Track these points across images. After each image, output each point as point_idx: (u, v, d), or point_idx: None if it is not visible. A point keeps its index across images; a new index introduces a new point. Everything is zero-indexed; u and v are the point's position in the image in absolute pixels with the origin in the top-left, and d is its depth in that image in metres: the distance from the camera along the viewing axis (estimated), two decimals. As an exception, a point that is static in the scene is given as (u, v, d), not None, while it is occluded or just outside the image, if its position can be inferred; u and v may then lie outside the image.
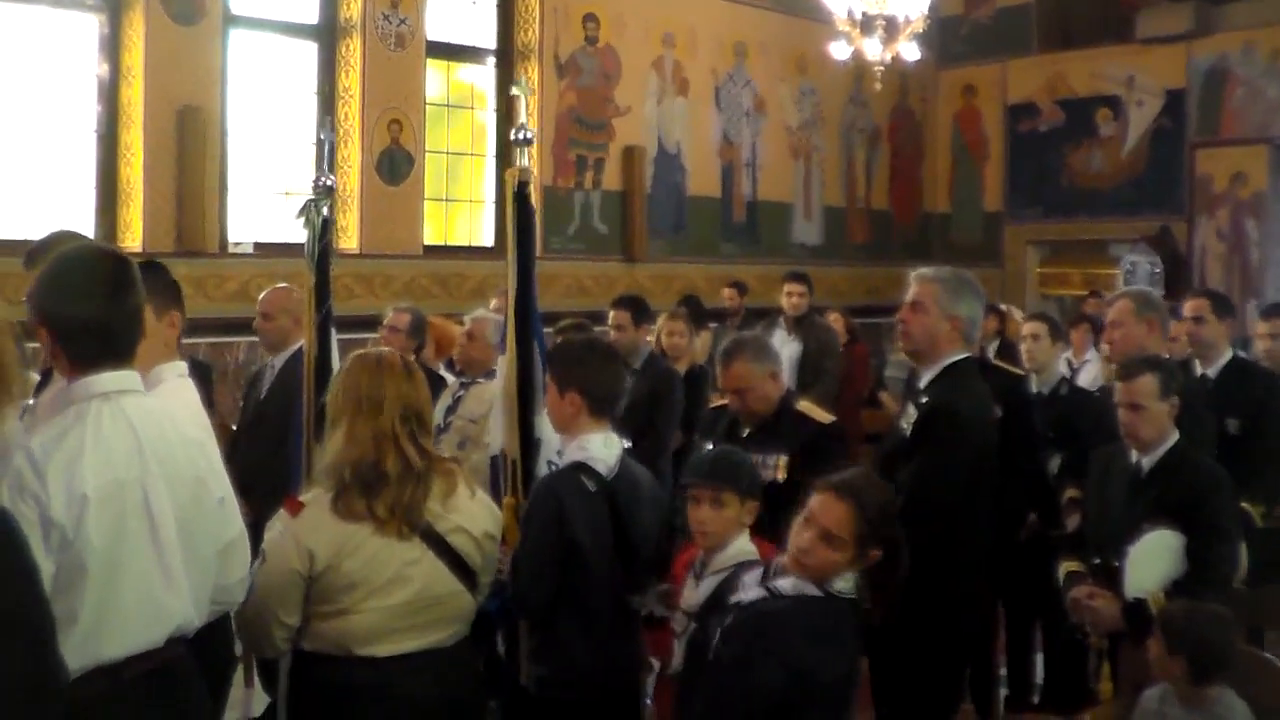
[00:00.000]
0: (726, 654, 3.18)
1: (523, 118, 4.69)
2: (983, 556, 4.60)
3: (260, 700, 5.50)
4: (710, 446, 4.83)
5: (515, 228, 4.45)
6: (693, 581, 3.75)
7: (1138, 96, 14.43)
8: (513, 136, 4.61)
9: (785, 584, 3.24)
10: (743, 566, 3.57)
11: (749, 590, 3.32)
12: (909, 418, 4.48)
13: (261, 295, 6.35)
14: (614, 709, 3.95)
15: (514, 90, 5.00)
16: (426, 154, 11.20)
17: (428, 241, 11.33)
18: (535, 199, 4.88)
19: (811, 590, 3.22)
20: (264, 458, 5.48)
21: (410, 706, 3.37)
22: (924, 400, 4.43)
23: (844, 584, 3.26)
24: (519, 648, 4.06)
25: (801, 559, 3.25)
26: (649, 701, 4.25)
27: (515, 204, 4.47)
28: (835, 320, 10.57)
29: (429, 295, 10.57)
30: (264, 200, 10.38)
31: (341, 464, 3.35)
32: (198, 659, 3.06)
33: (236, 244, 10.02)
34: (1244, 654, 4.09)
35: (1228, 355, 5.83)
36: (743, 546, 3.70)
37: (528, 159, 4.57)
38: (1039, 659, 6.10)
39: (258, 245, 10.10)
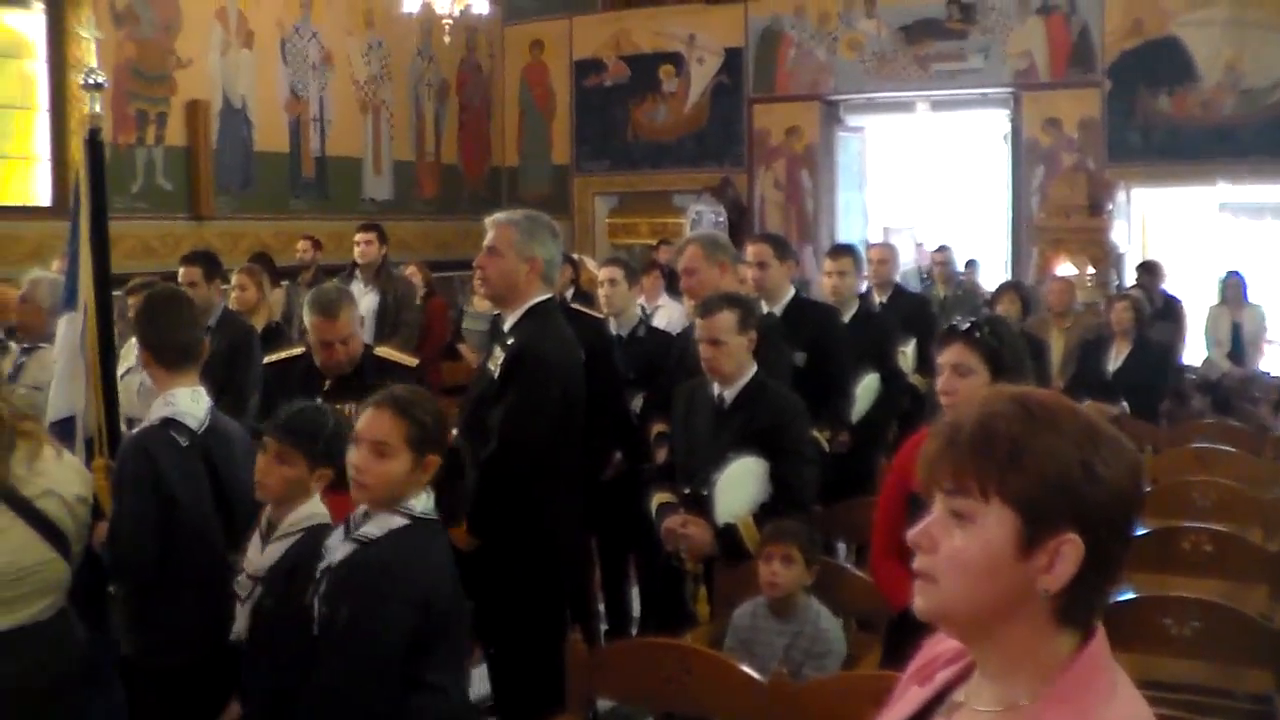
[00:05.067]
0: (343, 616, 3.04)
1: (93, 61, 4.43)
2: (575, 493, 4.76)
3: None
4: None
5: (88, 179, 4.21)
6: (258, 542, 3.59)
7: (699, 54, 15.07)
8: (82, 81, 4.38)
9: (370, 528, 3.15)
10: (314, 531, 3.47)
11: (336, 550, 3.18)
12: (496, 360, 4.56)
13: None
14: (221, 670, 3.84)
15: (83, 33, 4.73)
16: (-31, 106, 10.34)
17: (-24, 201, 10.47)
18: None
19: (398, 521, 3.14)
20: None
21: (5, 690, 3.16)
22: (510, 342, 4.51)
23: (423, 505, 3.19)
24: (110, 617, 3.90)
25: (360, 479, 3.15)
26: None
27: (87, 152, 4.23)
28: (413, 273, 10.61)
29: (-21, 259, 9.81)
30: None
31: None
32: None
33: None
34: (823, 564, 4.42)
35: (790, 294, 6.15)
36: (313, 509, 3.58)
37: (99, 105, 4.33)
38: (634, 592, 6.36)
39: None
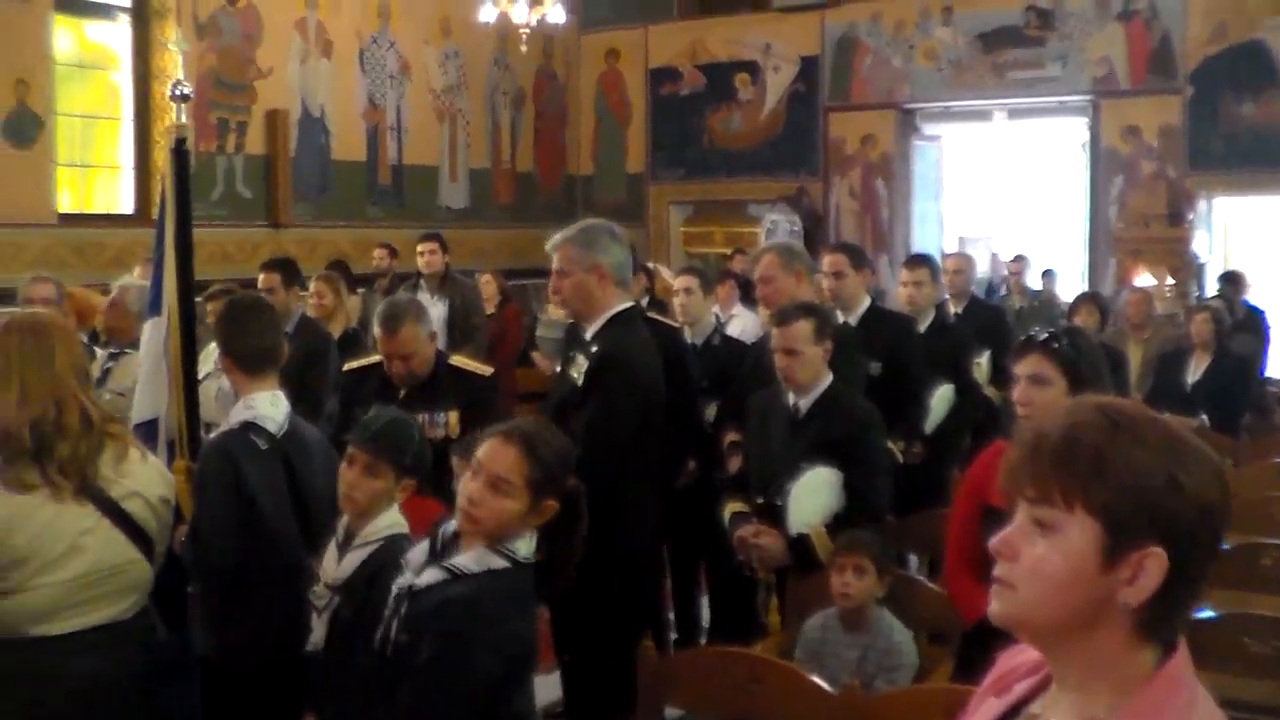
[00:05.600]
0: (424, 653, 2.91)
1: (178, 73, 4.53)
2: (655, 499, 4.77)
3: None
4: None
5: (174, 188, 4.28)
6: (334, 551, 3.54)
7: (774, 62, 15.06)
8: (170, 93, 4.46)
9: (466, 560, 2.95)
10: (395, 541, 3.45)
11: (422, 572, 3.01)
12: (579, 367, 4.58)
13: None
14: (296, 677, 3.87)
15: (172, 46, 4.84)
16: (57, 116, 10.57)
17: (63, 209, 10.72)
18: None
19: (498, 563, 2.96)
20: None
21: (86, 686, 3.23)
22: (594, 349, 4.53)
23: (526, 548, 3.01)
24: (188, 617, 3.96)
25: (471, 511, 2.96)
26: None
27: (173, 161, 4.30)
28: (488, 281, 10.70)
29: (66, 266, 9.98)
30: None
31: (17, 425, 3.16)
32: None
33: None
34: (895, 576, 4.39)
35: (866, 303, 6.15)
36: (392, 519, 3.54)
37: (184, 115, 4.41)
38: (705, 601, 6.35)
39: None
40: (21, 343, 3.25)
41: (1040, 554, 1.57)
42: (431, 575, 2.98)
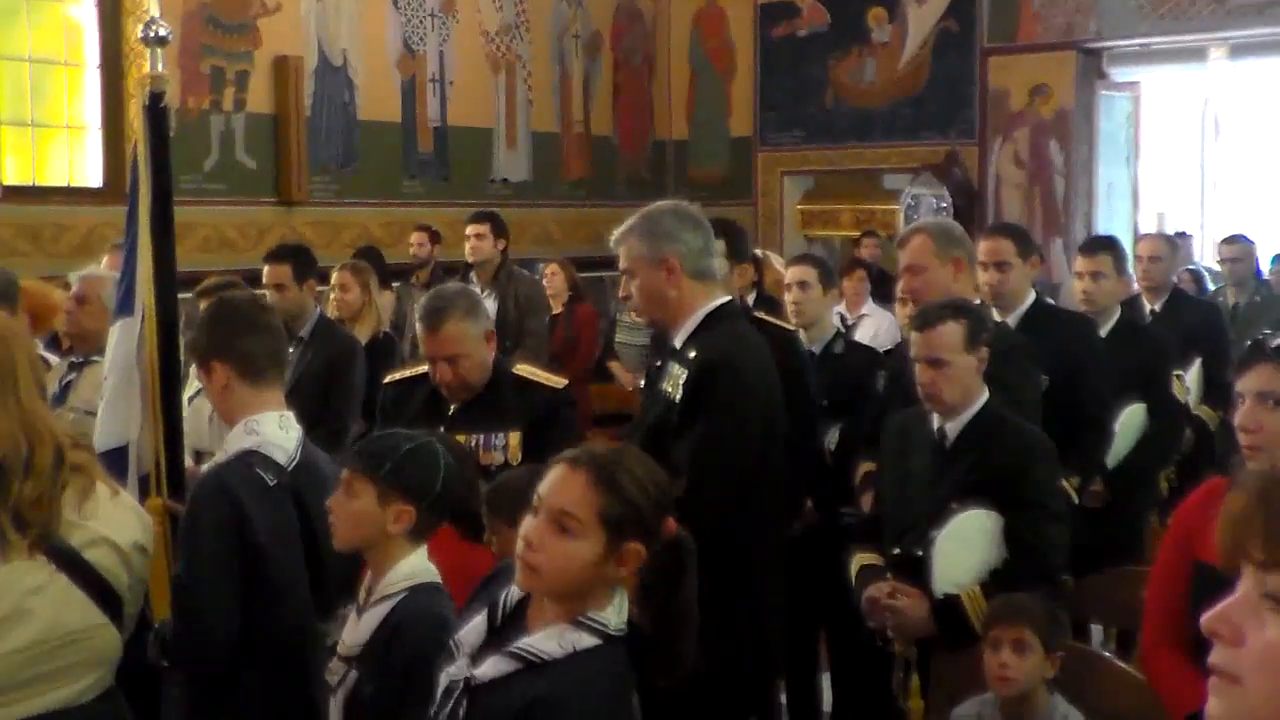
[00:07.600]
0: None
1: (153, 9, 4.54)
2: (777, 544, 4.74)
3: None
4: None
5: (149, 154, 4.30)
6: (354, 618, 3.54)
7: (918, -8, 14.96)
8: (141, 34, 4.46)
9: (543, 642, 2.85)
10: (419, 592, 3.45)
11: (481, 659, 2.92)
12: (675, 380, 4.56)
13: None
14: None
15: (142, -27, 4.87)
16: (-1, 61, 10.66)
17: (8, 181, 10.78)
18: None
19: (585, 640, 2.85)
20: None
21: None
22: (692, 356, 4.52)
23: (617, 617, 2.91)
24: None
25: (528, 557, 2.84)
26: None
27: (147, 121, 4.33)
28: (555, 273, 10.69)
29: (14, 253, 10.07)
30: None
31: None
32: None
33: None
34: (1072, 651, 4.32)
35: (1030, 299, 6.04)
36: (414, 566, 3.53)
37: (162, 63, 4.42)
38: (825, 679, 6.32)
39: None
40: None
41: (1272, 639, 1.52)
42: (498, 665, 2.87)
